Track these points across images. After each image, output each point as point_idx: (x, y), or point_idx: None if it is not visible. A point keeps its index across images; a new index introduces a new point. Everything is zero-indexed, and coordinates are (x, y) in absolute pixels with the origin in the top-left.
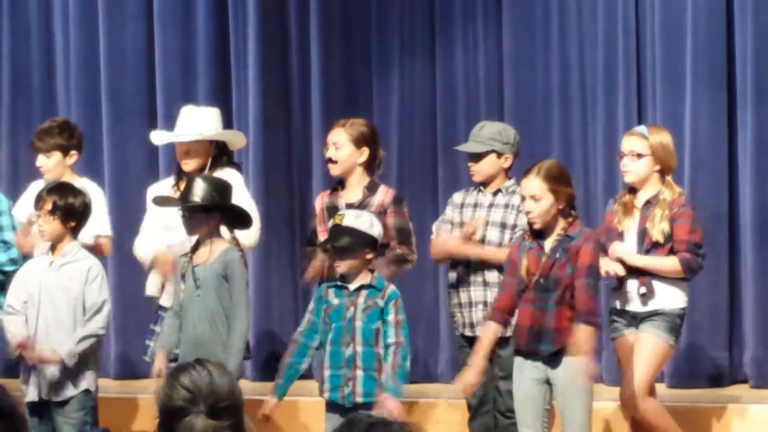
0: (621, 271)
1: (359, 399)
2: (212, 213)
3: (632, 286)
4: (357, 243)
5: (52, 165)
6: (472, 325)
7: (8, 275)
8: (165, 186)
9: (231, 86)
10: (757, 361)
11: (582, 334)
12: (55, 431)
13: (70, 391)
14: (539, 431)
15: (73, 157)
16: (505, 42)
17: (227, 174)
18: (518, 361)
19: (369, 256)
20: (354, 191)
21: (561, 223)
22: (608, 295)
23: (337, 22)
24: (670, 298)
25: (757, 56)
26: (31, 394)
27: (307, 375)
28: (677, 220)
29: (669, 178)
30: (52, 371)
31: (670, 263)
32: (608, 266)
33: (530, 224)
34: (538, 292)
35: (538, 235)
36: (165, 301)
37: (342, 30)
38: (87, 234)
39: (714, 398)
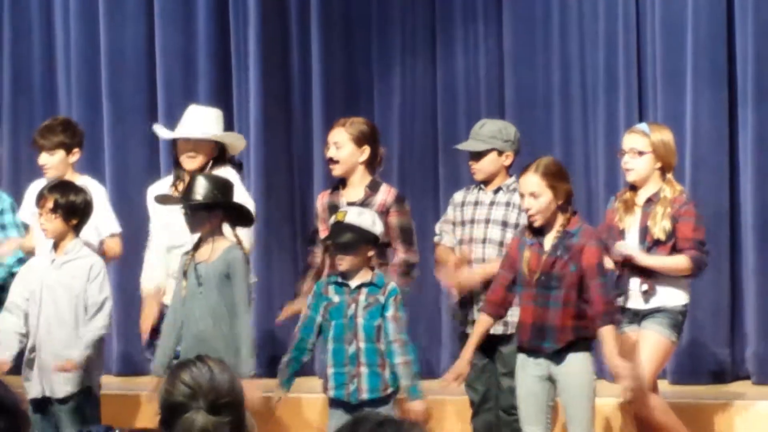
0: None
1: (365, 396)
2: (214, 211)
3: (634, 283)
4: (358, 240)
5: (55, 163)
6: (473, 323)
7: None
8: (164, 185)
9: (231, 86)
10: (759, 357)
11: (607, 335)
12: (57, 428)
13: (72, 388)
14: (542, 428)
15: (76, 155)
16: (505, 41)
17: (225, 173)
18: (521, 358)
19: (370, 254)
20: (356, 190)
21: (560, 219)
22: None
23: (337, 21)
24: (672, 295)
25: (757, 54)
26: (34, 390)
27: (309, 372)
28: (681, 219)
29: (670, 175)
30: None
31: (679, 262)
32: (608, 264)
33: (530, 221)
34: (539, 289)
35: (538, 232)
36: (168, 299)
37: (343, 29)
38: (93, 235)
39: (716, 395)
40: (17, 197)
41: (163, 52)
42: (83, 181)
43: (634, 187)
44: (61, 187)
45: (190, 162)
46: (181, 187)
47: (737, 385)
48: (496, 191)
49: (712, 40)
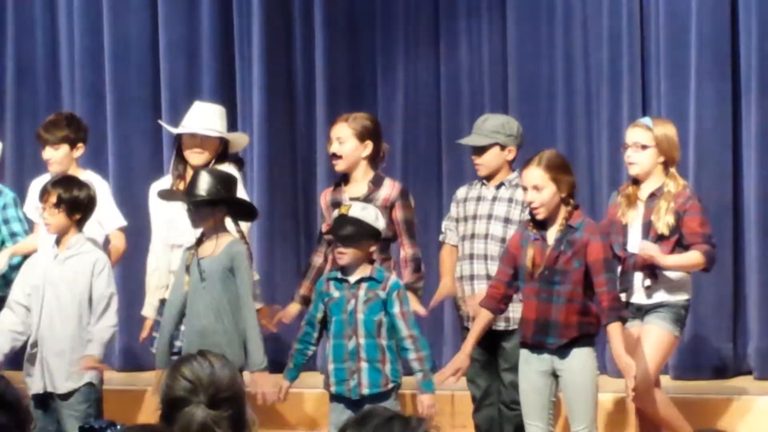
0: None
1: (365, 391)
2: (218, 206)
3: (637, 278)
4: (361, 233)
5: (59, 157)
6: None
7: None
8: (166, 183)
9: (235, 80)
10: (761, 352)
11: (614, 331)
12: (59, 423)
13: (74, 384)
14: (545, 423)
15: (80, 150)
16: (509, 36)
17: (226, 169)
18: (524, 353)
19: (372, 249)
20: (359, 185)
21: (563, 213)
22: None
23: (341, 16)
24: (675, 290)
25: (761, 49)
26: (36, 386)
27: (310, 366)
28: (686, 214)
29: (673, 170)
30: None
31: (695, 258)
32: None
33: (532, 215)
34: (542, 284)
35: (541, 225)
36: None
37: (346, 24)
38: (97, 231)
39: (718, 389)
40: (21, 192)
41: (167, 46)
42: (86, 175)
43: (636, 182)
44: (65, 181)
45: (197, 158)
46: (182, 185)
47: (739, 381)
48: (499, 186)
49: (716, 34)
